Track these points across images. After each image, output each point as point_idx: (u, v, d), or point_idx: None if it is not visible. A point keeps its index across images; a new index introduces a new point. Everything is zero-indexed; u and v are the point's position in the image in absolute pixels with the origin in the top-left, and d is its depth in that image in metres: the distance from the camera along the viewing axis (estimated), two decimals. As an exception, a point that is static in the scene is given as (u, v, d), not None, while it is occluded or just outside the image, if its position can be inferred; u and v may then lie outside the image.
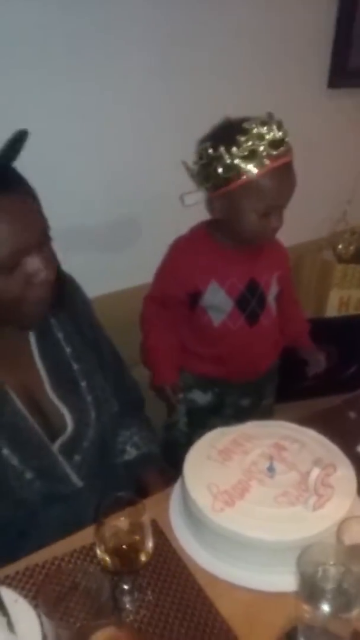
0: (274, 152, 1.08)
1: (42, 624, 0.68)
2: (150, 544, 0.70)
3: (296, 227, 1.73)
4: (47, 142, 1.24)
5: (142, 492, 1.01)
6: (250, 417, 1.42)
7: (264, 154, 1.07)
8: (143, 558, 0.70)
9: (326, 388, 1.62)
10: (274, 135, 1.08)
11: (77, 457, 0.93)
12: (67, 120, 1.26)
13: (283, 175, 1.12)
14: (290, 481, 0.83)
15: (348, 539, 0.73)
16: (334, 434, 0.95)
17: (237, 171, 1.09)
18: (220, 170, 1.10)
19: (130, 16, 1.26)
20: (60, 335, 0.98)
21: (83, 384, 0.97)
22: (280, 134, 1.09)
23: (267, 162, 1.08)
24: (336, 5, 1.57)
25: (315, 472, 0.78)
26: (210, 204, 1.22)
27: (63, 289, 0.93)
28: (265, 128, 1.08)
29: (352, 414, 1.14)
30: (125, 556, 0.71)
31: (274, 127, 1.08)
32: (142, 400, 1.19)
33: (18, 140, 0.82)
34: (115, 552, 0.70)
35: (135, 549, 0.71)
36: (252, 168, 1.08)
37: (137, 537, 0.72)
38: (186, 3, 1.31)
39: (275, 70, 1.54)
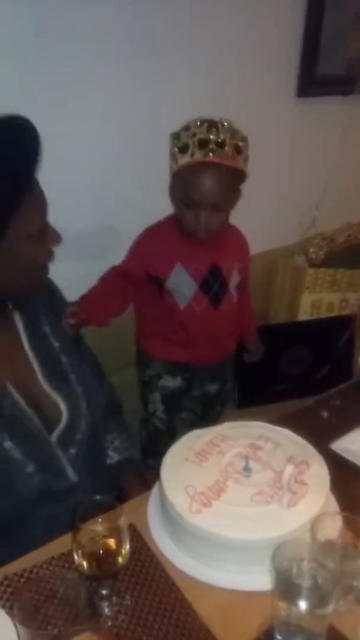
0: (201, 151, 1.17)
1: (18, 634, 0.67)
2: (127, 547, 0.70)
3: (269, 234, 1.78)
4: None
5: (123, 496, 1.01)
6: (216, 402, 1.52)
7: (193, 149, 1.17)
8: (120, 561, 0.70)
9: (300, 390, 1.66)
10: (206, 135, 1.17)
11: (72, 450, 0.95)
12: (66, 128, 1.27)
13: (207, 174, 1.19)
14: (266, 480, 0.84)
15: (322, 535, 0.75)
16: (308, 433, 0.96)
17: (175, 160, 1.21)
18: (171, 158, 1.23)
19: (110, 26, 1.27)
20: (48, 329, 1.00)
21: (72, 376, 1.00)
22: (213, 136, 1.17)
23: (196, 156, 1.17)
24: (304, 17, 1.62)
25: (289, 470, 0.79)
26: (170, 193, 1.31)
27: None
28: (202, 128, 1.17)
29: (325, 413, 1.16)
30: (103, 561, 0.71)
31: (213, 129, 1.18)
32: (120, 403, 1.20)
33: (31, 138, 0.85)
34: (92, 556, 0.70)
35: (113, 553, 0.71)
36: (183, 159, 1.19)
37: (114, 541, 0.71)
38: (158, 14, 1.34)
39: (245, 81, 1.57)
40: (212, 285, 1.34)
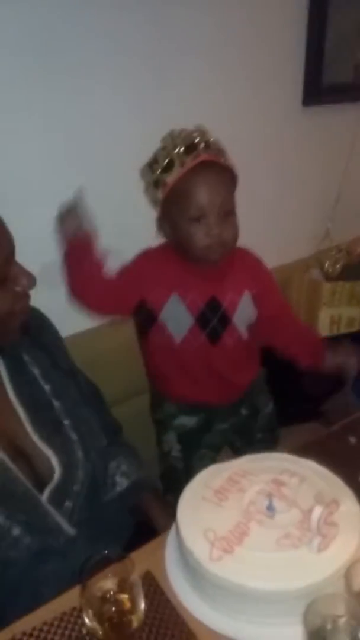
0: (190, 155, 1.08)
1: None
2: (142, 606, 0.64)
3: (281, 247, 1.72)
4: (17, 179, 1.22)
5: (141, 519, 0.97)
6: (252, 429, 1.38)
7: (181, 158, 1.09)
8: (135, 623, 0.63)
9: (323, 411, 1.58)
10: (190, 140, 1.09)
11: (67, 504, 0.87)
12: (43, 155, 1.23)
13: (207, 174, 1.09)
14: (292, 520, 0.77)
15: (358, 583, 0.68)
16: (334, 461, 0.90)
17: (162, 184, 1.11)
18: (153, 189, 1.14)
19: (105, 41, 1.24)
20: (36, 371, 0.93)
21: (66, 422, 0.92)
22: (198, 139, 1.10)
23: (187, 163, 1.08)
24: (306, 24, 1.57)
25: (318, 512, 0.72)
26: (160, 228, 1.20)
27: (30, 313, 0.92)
28: (180, 137, 1.10)
29: (353, 439, 1.08)
30: (117, 620, 0.65)
31: (193, 134, 1.10)
32: (119, 427, 1.14)
33: None
34: (104, 617, 0.64)
35: (127, 612, 0.64)
36: (171, 176, 1.09)
37: (127, 597, 0.65)
38: (158, 25, 1.30)
39: (250, 91, 1.53)
40: (210, 319, 1.20)
